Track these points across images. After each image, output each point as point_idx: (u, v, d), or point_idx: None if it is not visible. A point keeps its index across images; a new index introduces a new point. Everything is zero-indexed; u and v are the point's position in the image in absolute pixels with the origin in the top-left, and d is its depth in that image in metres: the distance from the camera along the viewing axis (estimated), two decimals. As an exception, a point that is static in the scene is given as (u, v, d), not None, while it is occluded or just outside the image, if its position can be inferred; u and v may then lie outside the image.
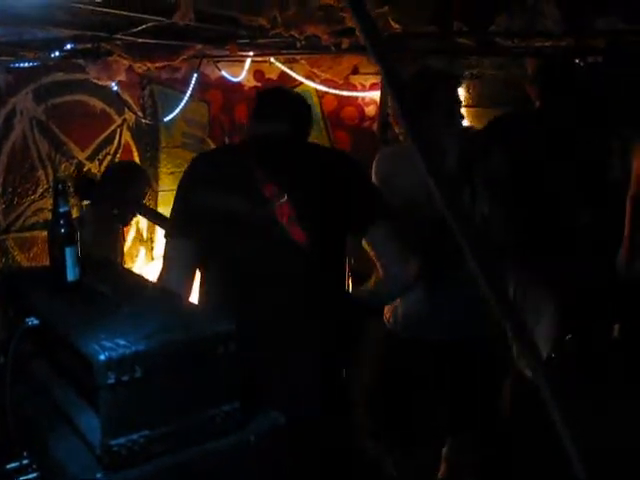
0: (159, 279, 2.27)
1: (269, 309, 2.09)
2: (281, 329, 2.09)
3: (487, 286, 0.73)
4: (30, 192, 5.12)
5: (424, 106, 2.90)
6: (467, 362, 3.01)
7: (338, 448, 2.19)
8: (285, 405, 1.56)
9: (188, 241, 2.19)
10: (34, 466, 1.45)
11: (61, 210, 1.65)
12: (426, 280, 2.73)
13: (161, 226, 4.51)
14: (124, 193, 4.03)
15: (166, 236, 2.31)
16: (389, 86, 0.72)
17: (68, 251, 1.64)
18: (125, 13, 2.84)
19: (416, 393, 3.03)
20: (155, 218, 4.60)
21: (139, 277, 2.03)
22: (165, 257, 2.29)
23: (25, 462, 1.46)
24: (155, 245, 6.13)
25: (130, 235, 5.78)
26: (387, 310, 3.10)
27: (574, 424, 0.75)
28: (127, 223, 4.37)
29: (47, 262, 1.71)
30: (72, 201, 4.56)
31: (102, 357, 1.26)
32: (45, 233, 1.73)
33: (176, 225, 2.27)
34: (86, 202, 4.45)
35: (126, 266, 5.00)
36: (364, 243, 2.25)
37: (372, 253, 2.25)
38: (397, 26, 3.06)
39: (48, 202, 5.01)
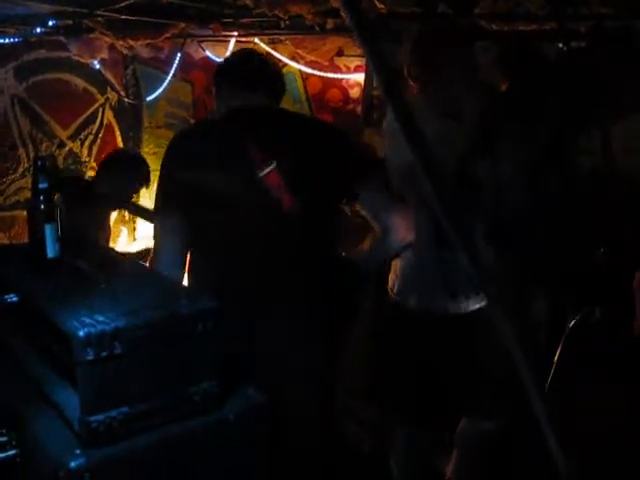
0: (153, 258, 2.25)
1: (259, 276, 2.10)
2: (270, 296, 2.10)
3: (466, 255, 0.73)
4: (11, 171, 5.08)
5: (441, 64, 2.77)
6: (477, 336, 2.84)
7: (318, 423, 2.21)
8: (266, 376, 1.56)
9: (178, 215, 2.17)
10: (13, 443, 1.45)
11: (41, 186, 1.63)
12: (433, 247, 2.72)
13: (144, 218, 4.49)
14: (121, 182, 3.91)
15: (155, 212, 2.28)
16: (374, 69, 0.70)
17: (48, 228, 1.62)
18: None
19: (422, 369, 2.88)
20: (138, 212, 4.56)
21: (119, 254, 2.02)
22: (156, 233, 2.25)
23: (3, 439, 1.45)
24: (137, 226, 6.10)
25: (112, 216, 5.75)
26: (391, 280, 2.95)
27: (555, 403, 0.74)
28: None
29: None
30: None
31: (81, 333, 1.25)
32: (26, 213, 1.71)
33: (164, 200, 2.24)
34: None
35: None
36: (357, 203, 2.27)
37: (365, 211, 2.27)
38: (382, 6, 3.06)
39: (29, 181, 4.92)
